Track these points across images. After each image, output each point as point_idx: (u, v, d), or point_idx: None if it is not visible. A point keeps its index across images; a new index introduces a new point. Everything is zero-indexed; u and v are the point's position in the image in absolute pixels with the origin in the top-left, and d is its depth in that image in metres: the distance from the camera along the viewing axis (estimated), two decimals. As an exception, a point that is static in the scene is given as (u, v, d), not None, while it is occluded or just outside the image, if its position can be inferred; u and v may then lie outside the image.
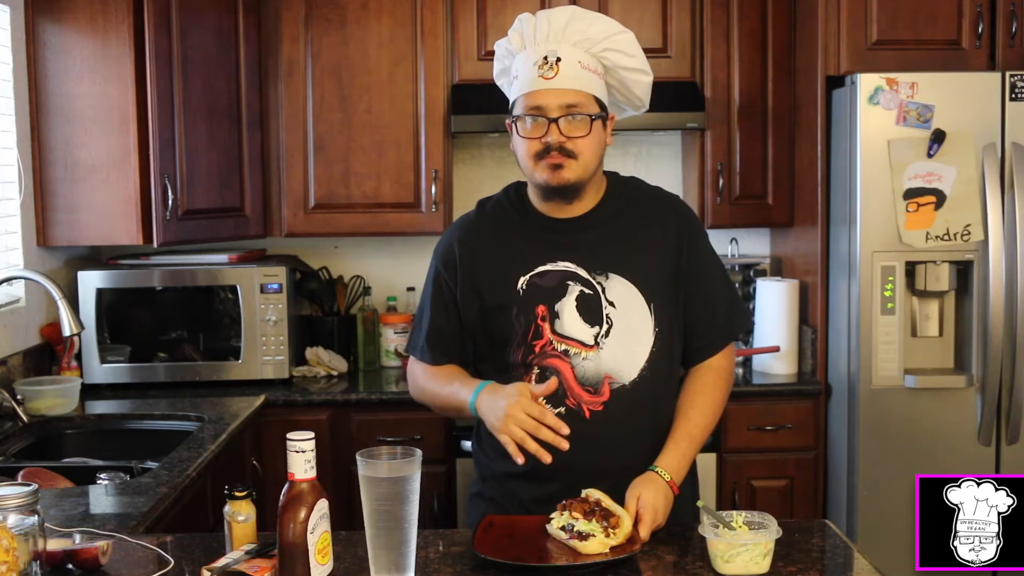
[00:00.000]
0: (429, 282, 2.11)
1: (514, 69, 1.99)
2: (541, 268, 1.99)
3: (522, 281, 1.99)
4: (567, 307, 1.96)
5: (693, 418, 2.01)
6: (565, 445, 1.83)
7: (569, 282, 1.98)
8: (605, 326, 1.96)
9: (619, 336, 1.96)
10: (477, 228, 2.08)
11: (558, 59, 1.91)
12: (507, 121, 2.00)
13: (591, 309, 1.96)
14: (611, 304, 1.97)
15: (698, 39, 3.63)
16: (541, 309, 1.97)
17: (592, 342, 1.96)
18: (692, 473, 2.05)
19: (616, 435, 1.96)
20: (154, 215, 3.26)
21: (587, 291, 1.97)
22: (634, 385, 1.96)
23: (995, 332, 3.17)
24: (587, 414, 1.95)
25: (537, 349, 1.96)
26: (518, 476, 1.98)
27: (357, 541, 1.76)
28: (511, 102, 2.00)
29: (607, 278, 1.98)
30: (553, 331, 1.96)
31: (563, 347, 1.96)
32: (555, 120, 1.90)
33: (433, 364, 2.10)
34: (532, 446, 1.82)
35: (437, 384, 2.07)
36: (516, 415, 1.83)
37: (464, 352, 2.11)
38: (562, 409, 1.95)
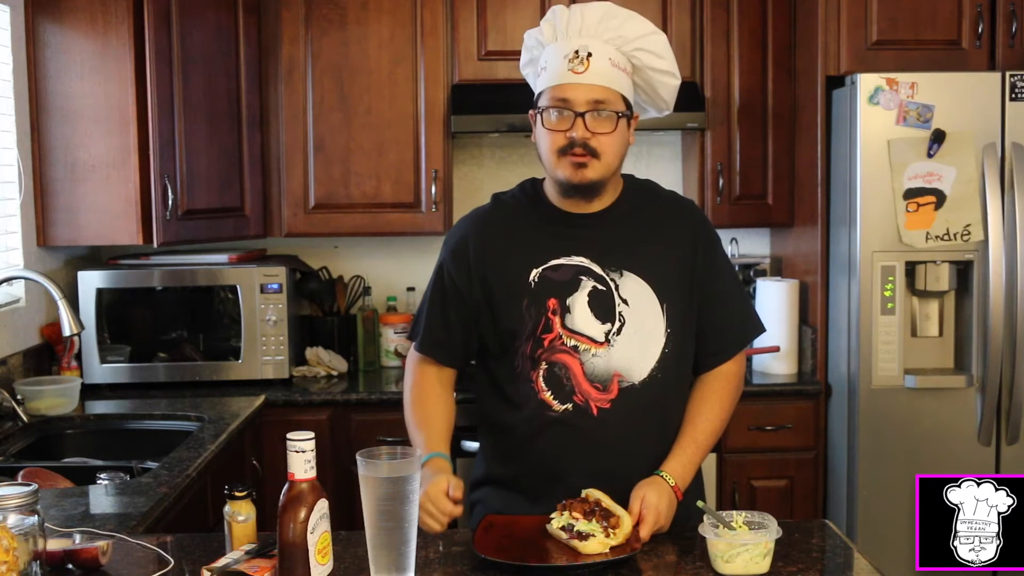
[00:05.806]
0: (434, 273, 2.10)
1: (542, 60, 1.97)
2: (555, 261, 1.97)
3: (535, 273, 1.97)
4: (579, 302, 1.95)
5: (700, 424, 2.01)
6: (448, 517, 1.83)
7: (582, 277, 1.96)
8: (617, 323, 1.95)
9: (631, 334, 1.95)
10: (492, 219, 2.07)
11: (589, 54, 1.89)
12: (530, 112, 1.99)
13: (603, 305, 1.95)
14: (624, 301, 1.95)
15: (698, 39, 3.63)
16: (552, 302, 1.95)
17: (603, 339, 1.94)
18: (697, 478, 2.05)
19: (623, 434, 1.95)
20: (154, 215, 3.26)
21: (600, 287, 1.96)
22: (644, 385, 1.95)
23: (995, 332, 3.17)
24: (595, 411, 1.94)
25: (546, 343, 1.95)
26: (528, 474, 1.99)
27: (357, 541, 1.75)
28: (536, 94, 1.98)
29: (621, 275, 1.96)
30: (563, 326, 1.94)
31: (573, 343, 1.94)
32: (581, 115, 1.89)
33: (420, 351, 2.09)
34: (434, 528, 1.82)
35: (413, 411, 2.07)
36: (424, 504, 1.80)
37: (454, 343, 2.07)
38: (569, 406, 1.94)
